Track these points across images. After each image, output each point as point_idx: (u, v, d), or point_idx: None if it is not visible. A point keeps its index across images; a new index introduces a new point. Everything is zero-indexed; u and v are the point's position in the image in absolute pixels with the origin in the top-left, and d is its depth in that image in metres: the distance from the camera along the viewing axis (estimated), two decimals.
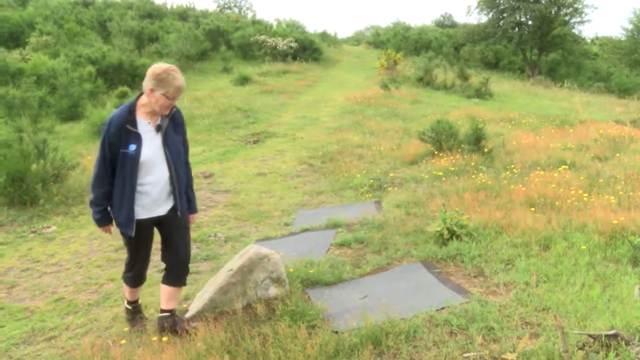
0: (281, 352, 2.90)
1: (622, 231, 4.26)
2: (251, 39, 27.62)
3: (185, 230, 3.34)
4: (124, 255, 4.05)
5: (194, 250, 5.45)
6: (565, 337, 2.56)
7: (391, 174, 7.97)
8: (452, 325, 3.18)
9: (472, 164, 7.66)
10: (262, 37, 27.58)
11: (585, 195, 5.38)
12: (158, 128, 3.08)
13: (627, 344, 2.58)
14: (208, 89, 18.99)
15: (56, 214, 6.88)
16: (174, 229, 3.28)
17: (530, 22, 33.12)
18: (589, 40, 39.46)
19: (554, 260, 4.01)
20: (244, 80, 20.20)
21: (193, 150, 7.73)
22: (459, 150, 8.40)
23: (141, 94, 3.09)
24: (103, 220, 3.19)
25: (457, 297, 3.61)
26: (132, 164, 2.98)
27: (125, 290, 3.59)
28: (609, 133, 8.89)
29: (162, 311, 3.41)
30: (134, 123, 3.01)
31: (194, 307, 3.68)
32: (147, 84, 2.98)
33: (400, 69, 26.18)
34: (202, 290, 3.91)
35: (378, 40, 41.63)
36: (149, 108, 3.04)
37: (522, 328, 3.11)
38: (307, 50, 28.53)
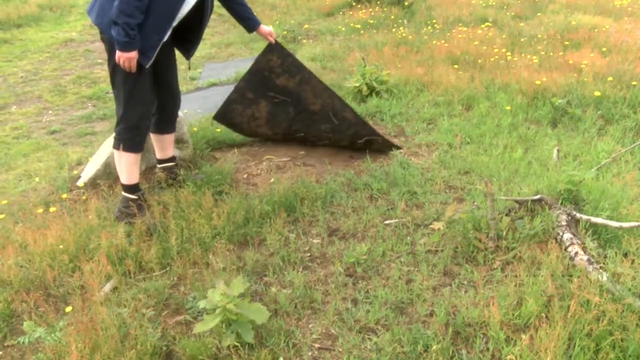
0: (184, 223, 2.59)
1: (544, 92, 4.15)
2: None
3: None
4: None
5: (88, 109, 4.85)
6: (493, 204, 2.35)
7: (306, 26, 7.61)
8: (372, 190, 3.01)
9: (392, 17, 7.35)
10: None
11: (509, 54, 5.21)
12: None
13: (550, 208, 2.44)
14: None
15: None
16: (173, 62, 2.90)
17: None
18: None
19: (477, 120, 3.87)
20: None
21: None
22: (378, 2, 8.06)
23: None
24: (134, 43, 2.45)
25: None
26: None
27: (124, 169, 2.71)
28: None
29: (167, 160, 3.11)
30: None
31: (87, 173, 3.30)
32: None
33: None
34: (95, 154, 3.52)
35: None
36: None
37: (446, 192, 2.98)
38: None
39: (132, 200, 2.71)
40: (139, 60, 2.51)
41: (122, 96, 2.60)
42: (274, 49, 3.21)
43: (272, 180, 3.13)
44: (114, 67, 2.55)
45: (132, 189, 2.74)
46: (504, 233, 2.36)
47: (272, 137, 3.61)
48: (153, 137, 3.04)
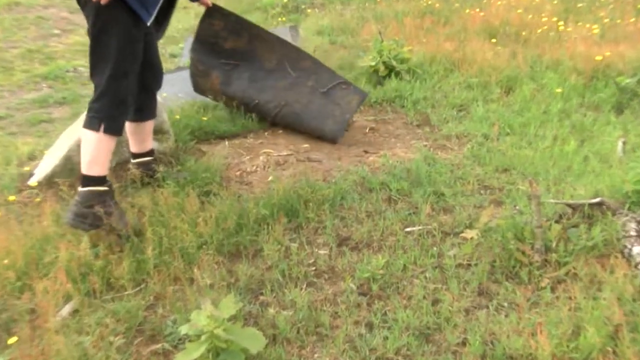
0: (163, 230, 2.58)
1: (605, 70, 4.15)
2: None
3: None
4: None
5: (42, 91, 4.87)
6: (539, 208, 2.33)
7: None
8: (390, 190, 3.01)
9: None
10: None
11: (561, 23, 5.19)
12: None
13: (613, 213, 2.42)
14: None
15: None
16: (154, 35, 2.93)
17: None
18: None
19: (520, 106, 3.88)
20: None
21: None
22: None
23: None
24: None
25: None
26: None
27: (99, 156, 2.62)
28: None
29: (144, 155, 3.11)
30: None
31: (42, 169, 3.28)
32: None
33: None
34: (53, 147, 3.51)
35: None
36: None
37: (481, 194, 2.98)
38: None
39: (100, 194, 2.60)
40: (139, 15, 2.55)
41: (110, 62, 2.56)
42: (212, 13, 3.39)
43: (270, 178, 3.13)
44: (101, 27, 2.54)
45: (101, 180, 2.64)
46: (554, 244, 2.34)
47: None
48: (130, 127, 3.03)
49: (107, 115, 2.58)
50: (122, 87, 2.60)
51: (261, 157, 3.38)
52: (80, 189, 2.61)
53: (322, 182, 3.04)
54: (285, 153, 3.43)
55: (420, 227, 2.68)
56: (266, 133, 3.70)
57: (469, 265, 2.40)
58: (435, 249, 2.52)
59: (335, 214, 2.82)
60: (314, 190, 2.90)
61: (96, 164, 2.61)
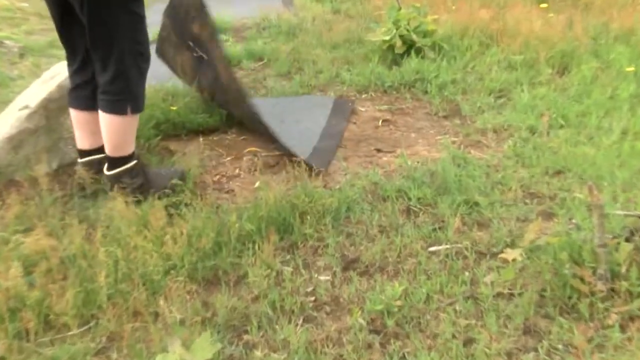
0: (120, 251, 2.58)
1: None
2: None
3: None
4: None
5: None
6: (603, 221, 2.32)
7: None
8: (409, 199, 3.03)
9: None
10: None
11: None
12: None
13: None
14: None
15: None
16: None
17: None
18: None
19: (577, 90, 3.90)
20: None
21: None
22: None
23: None
24: None
25: None
26: None
27: (129, 137, 3.09)
28: None
29: (95, 151, 3.23)
30: None
31: None
32: None
33: None
34: None
35: None
36: None
37: (526, 203, 2.97)
38: None
39: (133, 167, 3.05)
40: None
41: (121, 34, 2.90)
42: None
43: (257, 184, 3.15)
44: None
45: (130, 156, 3.07)
46: (623, 269, 2.33)
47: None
48: (79, 117, 3.11)
49: (134, 95, 3.00)
50: (144, 61, 3.03)
51: (245, 158, 3.41)
52: (108, 172, 3.03)
53: (323, 189, 3.06)
54: (276, 152, 3.44)
55: (447, 246, 2.69)
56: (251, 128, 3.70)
57: (511, 295, 2.39)
58: (467, 274, 2.52)
59: (340, 230, 2.83)
60: (312, 200, 2.90)
61: (130, 142, 3.07)
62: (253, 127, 3.67)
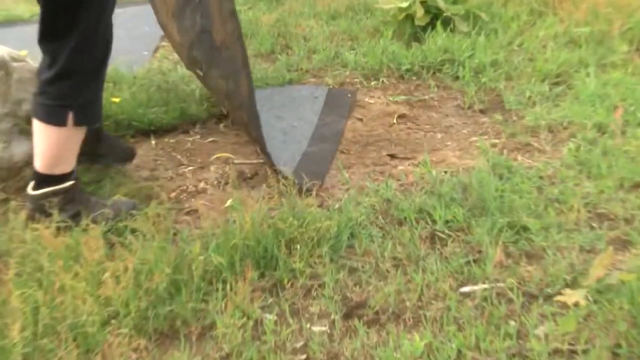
0: (41, 294, 2.56)
1: None
2: None
3: None
4: None
5: None
6: None
7: None
8: (433, 222, 3.04)
9: None
10: None
11: None
12: None
13: None
14: None
15: None
16: None
17: None
18: None
19: None
20: None
21: None
22: None
23: None
24: None
25: None
26: None
27: (68, 152, 3.12)
28: None
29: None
30: None
31: None
32: None
33: None
34: None
35: None
36: None
37: (592, 227, 2.97)
38: None
39: (65, 190, 3.06)
40: None
41: (85, 23, 2.92)
42: None
43: (229, 202, 3.16)
44: None
45: (67, 176, 3.09)
46: None
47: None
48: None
49: (81, 101, 3.03)
50: (100, 55, 3.08)
51: (213, 167, 3.43)
52: (32, 192, 3.06)
53: (318, 209, 3.08)
54: (254, 159, 3.45)
55: (485, 286, 2.67)
56: (222, 125, 3.71)
57: (573, 353, 2.35)
58: (512, 323, 2.48)
59: (341, 264, 2.82)
60: (303, 223, 2.90)
61: (70, 158, 3.10)
62: (239, 113, 3.71)
